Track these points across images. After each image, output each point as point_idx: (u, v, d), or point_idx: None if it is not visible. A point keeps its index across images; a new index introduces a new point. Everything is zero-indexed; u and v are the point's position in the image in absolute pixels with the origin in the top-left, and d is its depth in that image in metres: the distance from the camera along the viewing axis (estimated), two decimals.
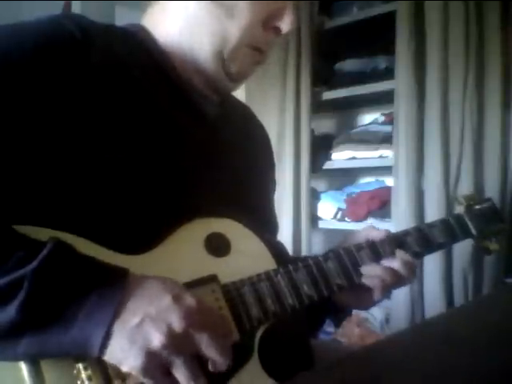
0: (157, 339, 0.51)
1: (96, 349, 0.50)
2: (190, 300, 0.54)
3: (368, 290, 0.77)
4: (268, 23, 0.72)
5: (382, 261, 0.78)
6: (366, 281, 0.76)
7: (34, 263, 0.50)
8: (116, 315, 0.51)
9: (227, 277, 0.64)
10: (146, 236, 0.62)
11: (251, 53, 0.73)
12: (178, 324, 0.52)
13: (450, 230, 0.87)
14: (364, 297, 0.79)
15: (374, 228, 0.83)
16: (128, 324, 0.51)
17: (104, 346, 0.51)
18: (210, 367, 0.55)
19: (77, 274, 0.53)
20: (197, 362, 0.54)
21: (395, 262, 0.78)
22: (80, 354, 0.52)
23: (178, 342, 0.52)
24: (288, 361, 0.71)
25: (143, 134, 0.65)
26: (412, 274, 0.79)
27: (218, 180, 0.73)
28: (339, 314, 0.89)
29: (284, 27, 0.73)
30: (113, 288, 0.53)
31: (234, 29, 0.70)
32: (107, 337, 0.51)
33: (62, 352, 0.52)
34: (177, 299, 0.54)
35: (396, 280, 0.77)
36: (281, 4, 0.72)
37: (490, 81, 1.73)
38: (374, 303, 0.82)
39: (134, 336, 0.51)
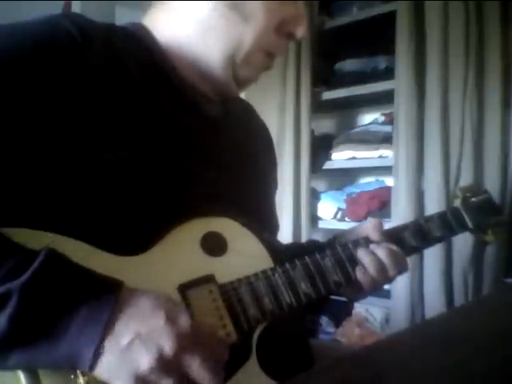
0: (146, 362, 0.49)
1: (86, 365, 0.50)
2: (183, 321, 0.53)
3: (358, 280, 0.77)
4: (282, 28, 0.72)
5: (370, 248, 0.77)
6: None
7: (24, 277, 0.49)
8: (106, 331, 0.50)
9: (224, 276, 0.64)
10: (142, 237, 0.62)
11: (262, 57, 0.73)
12: (169, 347, 0.50)
13: (447, 223, 0.87)
14: (355, 287, 0.79)
15: (372, 225, 0.82)
16: (118, 342, 0.50)
17: (94, 362, 0.50)
18: None
19: (68, 287, 0.51)
20: (186, 381, 0.52)
21: (379, 250, 0.77)
22: (70, 368, 0.51)
23: (167, 366, 0.50)
24: (286, 360, 0.70)
25: (142, 133, 0.64)
26: (398, 264, 0.77)
27: (217, 180, 0.73)
28: (332, 304, 0.89)
29: (298, 33, 0.73)
30: (105, 303, 0.51)
31: (248, 34, 0.70)
32: (97, 353, 0.50)
33: (52, 366, 0.51)
34: (170, 318, 0.52)
35: (381, 269, 0.76)
36: (295, 9, 0.72)
37: (490, 81, 1.73)
38: (363, 294, 0.81)
39: (123, 358, 0.50)
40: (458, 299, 1.76)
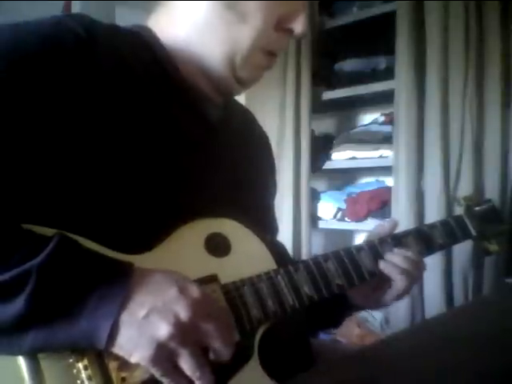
0: (164, 330, 0.51)
1: (103, 340, 0.51)
2: (195, 291, 0.55)
3: (381, 288, 0.79)
4: (280, 25, 0.71)
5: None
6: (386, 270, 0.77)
7: (40, 258, 0.50)
8: (123, 306, 0.52)
9: (227, 277, 0.64)
10: (146, 236, 0.62)
11: (263, 56, 0.72)
12: (184, 314, 0.53)
13: (450, 231, 0.88)
14: (380, 296, 0.81)
15: (381, 225, 0.84)
16: (135, 315, 0.52)
17: (111, 337, 0.51)
18: (213, 357, 0.55)
19: (82, 267, 0.53)
20: (202, 354, 0.54)
21: (396, 258, 0.78)
22: (87, 346, 0.52)
23: (184, 333, 0.52)
24: (288, 361, 0.71)
25: (145, 134, 0.64)
26: (418, 270, 0.80)
27: (218, 182, 0.73)
28: (348, 314, 0.90)
29: (297, 28, 0.71)
30: (119, 280, 0.53)
31: (247, 33, 0.69)
32: (114, 328, 0.51)
33: (69, 344, 0.52)
34: (182, 290, 0.54)
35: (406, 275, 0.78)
36: (294, 5, 0.71)
37: (490, 81, 1.73)
38: (389, 301, 0.82)
39: (142, 327, 0.52)
40: (458, 299, 1.76)
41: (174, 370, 0.53)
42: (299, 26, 0.71)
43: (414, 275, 0.79)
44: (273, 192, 0.93)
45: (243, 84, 0.75)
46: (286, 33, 0.72)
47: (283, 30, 0.72)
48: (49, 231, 0.55)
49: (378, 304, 0.84)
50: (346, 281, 0.73)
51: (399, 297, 0.80)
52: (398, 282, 0.78)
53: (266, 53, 0.72)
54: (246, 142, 0.85)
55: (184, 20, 0.72)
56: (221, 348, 0.55)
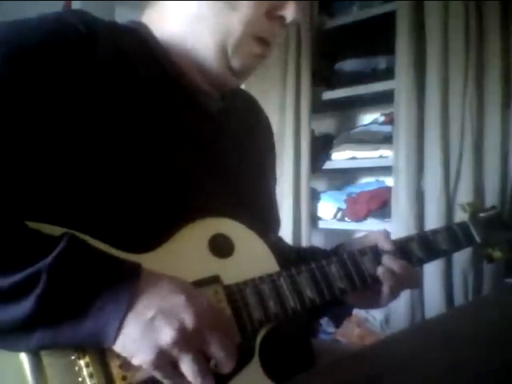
0: (168, 335, 0.52)
1: (110, 339, 0.51)
2: (202, 299, 0.55)
3: (370, 289, 0.78)
4: (272, 13, 0.71)
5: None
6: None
7: (50, 259, 0.51)
8: (130, 307, 0.52)
9: (230, 278, 0.64)
10: (149, 235, 0.62)
11: (256, 44, 0.72)
12: (190, 322, 0.53)
13: (454, 237, 0.88)
14: (366, 296, 0.80)
15: (384, 235, 0.82)
16: (141, 317, 0.52)
17: (117, 336, 0.51)
18: (214, 367, 0.55)
19: (91, 267, 0.53)
20: (205, 360, 0.54)
21: (395, 265, 0.78)
22: (94, 345, 0.52)
23: (188, 339, 0.53)
24: (289, 363, 0.70)
25: (146, 131, 0.64)
26: (410, 278, 0.79)
27: (221, 178, 0.73)
28: (338, 308, 0.89)
29: (288, 15, 0.71)
30: (127, 281, 0.53)
31: (237, 21, 0.69)
32: (120, 327, 0.51)
33: (75, 343, 0.52)
34: (190, 297, 0.54)
35: (396, 282, 0.78)
36: None
37: (490, 81, 1.73)
38: (377, 305, 0.82)
39: (146, 330, 0.52)
40: (458, 299, 1.76)
41: (175, 372, 0.53)
42: (290, 13, 0.71)
43: (403, 283, 0.79)
44: (273, 184, 0.93)
45: (237, 74, 0.75)
46: (278, 20, 0.72)
47: (274, 18, 0.72)
48: (55, 229, 0.55)
49: (367, 304, 0.83)
50: (348, 285, 0.73)
51: (386, 300, 0.79)
52: (386, 286, 0.77)
53: (259, 40, 0.72)
54: (247, 134, 0.84)
55: (176, 15, 0.73)
56: (223, 360, 0.55)
